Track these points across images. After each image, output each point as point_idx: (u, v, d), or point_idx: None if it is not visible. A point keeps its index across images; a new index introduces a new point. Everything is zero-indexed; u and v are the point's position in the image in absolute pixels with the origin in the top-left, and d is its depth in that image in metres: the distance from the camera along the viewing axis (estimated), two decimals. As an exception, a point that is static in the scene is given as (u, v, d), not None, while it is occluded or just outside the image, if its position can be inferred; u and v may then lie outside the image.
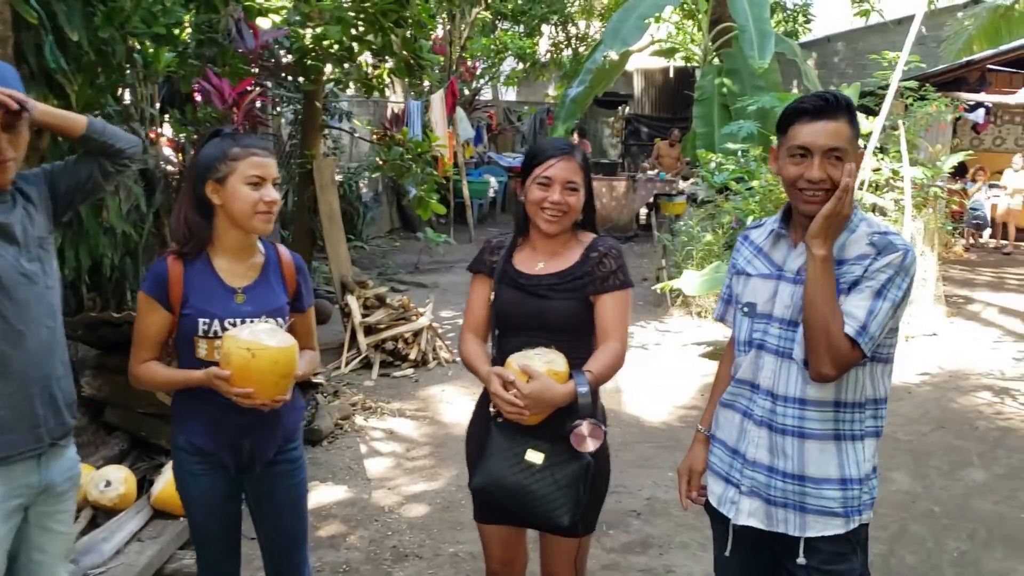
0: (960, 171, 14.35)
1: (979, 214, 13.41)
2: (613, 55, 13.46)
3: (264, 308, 2.38)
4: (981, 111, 14.01)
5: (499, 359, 2.44)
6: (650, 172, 14.60)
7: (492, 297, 2.48)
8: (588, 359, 2.38)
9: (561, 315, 2.42)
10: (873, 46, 13.50)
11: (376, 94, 7.31)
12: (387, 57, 6.18)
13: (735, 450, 2.21)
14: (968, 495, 4.55)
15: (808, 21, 21.31)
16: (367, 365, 6.57)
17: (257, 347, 2.19)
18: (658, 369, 6.85)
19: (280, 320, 2.40)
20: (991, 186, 14.26)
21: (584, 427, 2.26)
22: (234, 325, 2.31)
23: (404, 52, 6.11)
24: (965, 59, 14.02)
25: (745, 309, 2.20)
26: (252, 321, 2.32)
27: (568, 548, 2.51)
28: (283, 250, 2.52)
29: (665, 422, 5.66)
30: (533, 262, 2.49)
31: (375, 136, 7.54)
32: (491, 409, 2.40)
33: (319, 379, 5.40)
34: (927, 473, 4.82)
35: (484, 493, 2.42)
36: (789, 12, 21.03)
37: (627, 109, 21.14)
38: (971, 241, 13.67)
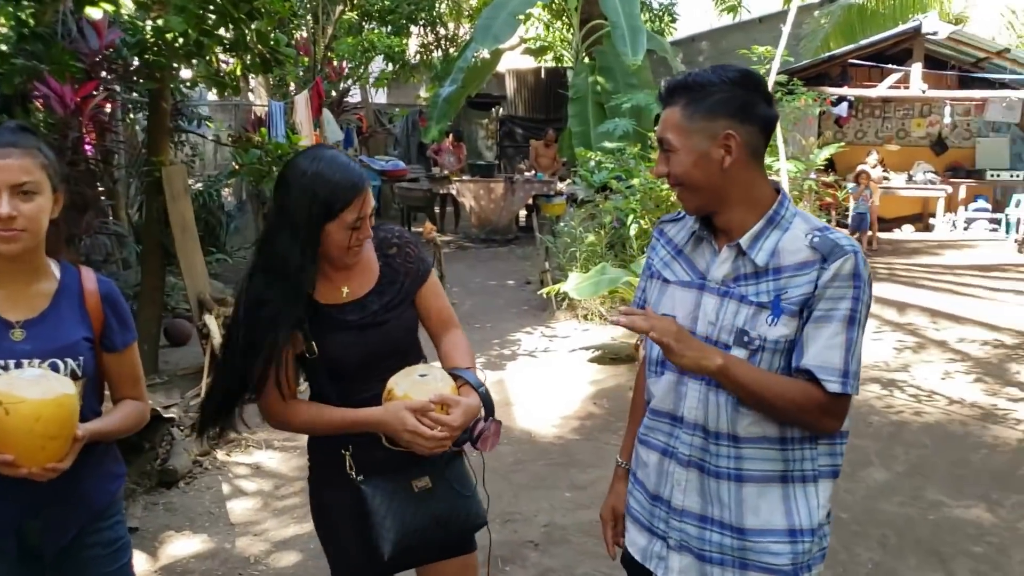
0: (829, 165, 14.68)
1: (859, 214, 13.26)
2: (485, 53, 13.17)
3: (49, 347, 1.86)
4: (844, 105, 14.41)
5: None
6: (527, 173, 14.37)
7: (311, 351, 2.04)
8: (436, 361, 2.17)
9: (405, 330, 2.15)
10: (737, 44, 13.63)
11: (239, 97, 6.73)
12: (240, 53, 5.62)
13: (656, 496, 1.84)
14: (873, 497, 4.38)
15: (673, 20, 21.57)
16: (231, 391, 5.97)
17: (11, 400, 1.67)
18: (548, 377, 6.53)
19: (73, 362, 1.89)
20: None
21: (490, 426, 2.02)
22: (6, 369, 1.80)
23: (259, 46, 5.57)
24: (828, 54, 14.37)
25: None
26: (31, 364, 1.82)
27: (470, 564, 2.26)
28: (88, 274, 1.99)
29: (559, 435, 5.33)
30: (336, 291, 2.10)
31: (231, 139, 6.94)
32: (351, 472, 2.05)
33: (173, 412, 4.83)
34: (830, 476, 4.64)
35: (402, 549, 2.03)
36: (655, 12, 21.24)
37: (500, 110, 20.91)
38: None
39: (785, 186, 8.24)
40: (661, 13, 21.34)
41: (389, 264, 2.14)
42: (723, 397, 1.72)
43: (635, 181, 8.43)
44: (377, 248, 2.16)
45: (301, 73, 14.41)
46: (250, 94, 15.41)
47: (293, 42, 14.20)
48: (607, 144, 10.30)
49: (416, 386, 1.95)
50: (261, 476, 4.71)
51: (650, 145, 8.76)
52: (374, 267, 2.13)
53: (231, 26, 5.50)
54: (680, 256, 1.85)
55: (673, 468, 1.80)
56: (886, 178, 14.58)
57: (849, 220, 14.14)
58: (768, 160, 9.22)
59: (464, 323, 8.04)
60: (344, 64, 16.94)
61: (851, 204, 13.32)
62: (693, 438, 1.76)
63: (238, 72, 6.24)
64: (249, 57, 5.64)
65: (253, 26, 5.54)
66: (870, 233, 13.16)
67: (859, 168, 13.31)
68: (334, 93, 15.77)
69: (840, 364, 1.63)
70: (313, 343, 2.03)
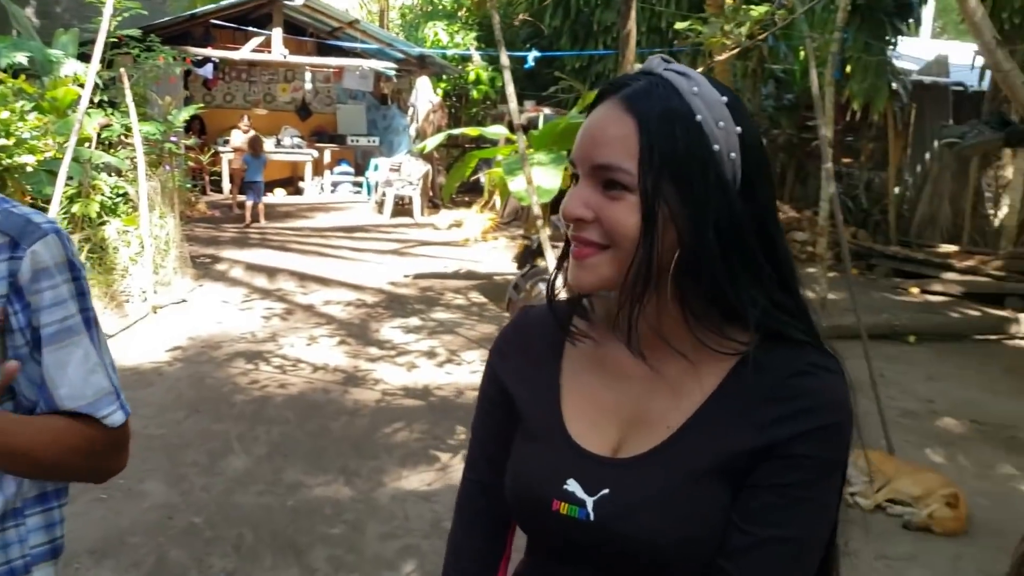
0: (199, 128, 14.15)
1: (255, 182, 12.56)
2: None
3: None
4: (210, 66, 13.97)
5: None
6: None
7: None
8: None
9: None
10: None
11: None
12: None
13: None
14: (231, 491, 4.01)
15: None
16: None
17: None
18: None
19: None
20: (225, 142, 14.36)
21: None
22: None
23: None
24: (189, 13, 13.76)
25: None
26: None
27: None
28: None
29: None
30: None
31: None
32: None
33: None
34: (185, 474, 4.17)
35: None
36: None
37: None
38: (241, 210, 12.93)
39: (139, 149, 7.53)
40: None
41: None
42: None
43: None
44: None
45: None
46: None
47: None
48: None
49: None
50: None
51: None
52: None
53: None
54: None
55: None
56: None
57: (224, 186, 13.84)
58: (125, 121, 8.35)
59: None
60: None
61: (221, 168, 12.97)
62: None
63: None
64: None
65: None
66: (264, 200, 12.75)
67: (252, 135, 12.93)
68: None
69: (109, 385, 1.20)
70: None
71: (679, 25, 5.80)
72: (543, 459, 1.00)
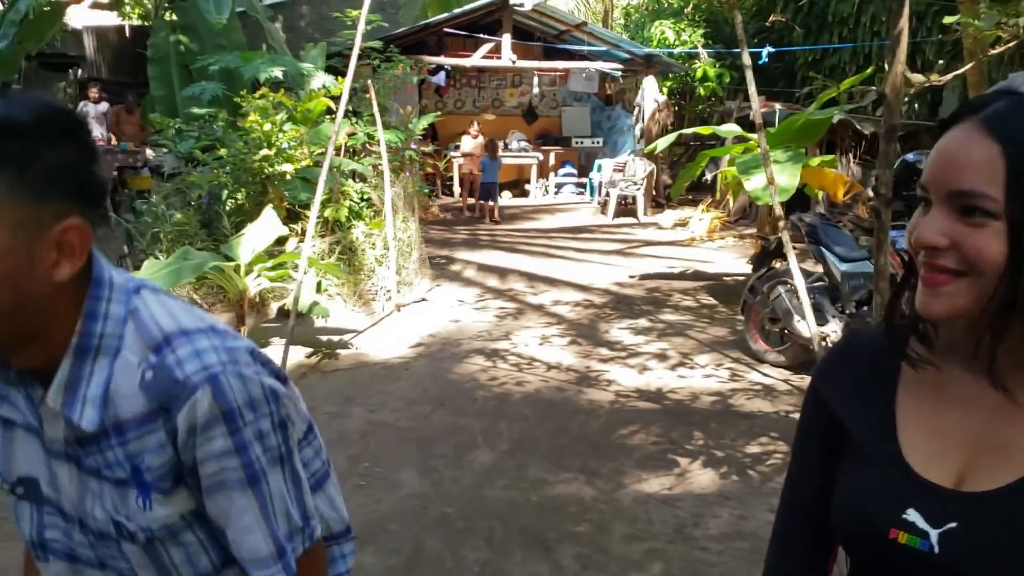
0: (432, 135, 14.81)
1: (491, 183, 13.62)
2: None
3: None
4: (442, 74, 14.57)
5: None
6: (113, 142, 12.74)
7: None
8: None
9: None
10: (337, 8, 13.21)
11: None
12: None
13: None
14: (478, 484, 4.17)
15: (271, -19, 20.58)
16: None
17: None
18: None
19: None
20: (456, 147, 14.94)
21: None
22: None
23: None
24: (423, 22, 14.41)
25: (20, 490, 1.19)
26: None
27: None
28: None
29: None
30: None
31: None
32: None
33: None
34: (436, 466, 4.37)
35: None
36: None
37: (80, 72, 18.53)
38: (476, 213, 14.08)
39: (384, 157, 7.98)
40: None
41: None
42: None
43: (223, 151, 7.64)
44: None
45: None
46: None
47: None
48: (196, 110, 9.36)
49: None
50: None
51: (241, 112, 8.00)
52: None
53: None
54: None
55: None
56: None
57: (459, 190, 14.36)
58: (369, 130, 8.89)
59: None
60: None
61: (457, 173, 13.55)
62: None
63: None
64: None
65: None
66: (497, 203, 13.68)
67: (488, 139, 13.69)
68: None
69: (267, 549, 1.14)
70: None
71: (948, 19, 5.36)
72: (878, 486, 0.98)
